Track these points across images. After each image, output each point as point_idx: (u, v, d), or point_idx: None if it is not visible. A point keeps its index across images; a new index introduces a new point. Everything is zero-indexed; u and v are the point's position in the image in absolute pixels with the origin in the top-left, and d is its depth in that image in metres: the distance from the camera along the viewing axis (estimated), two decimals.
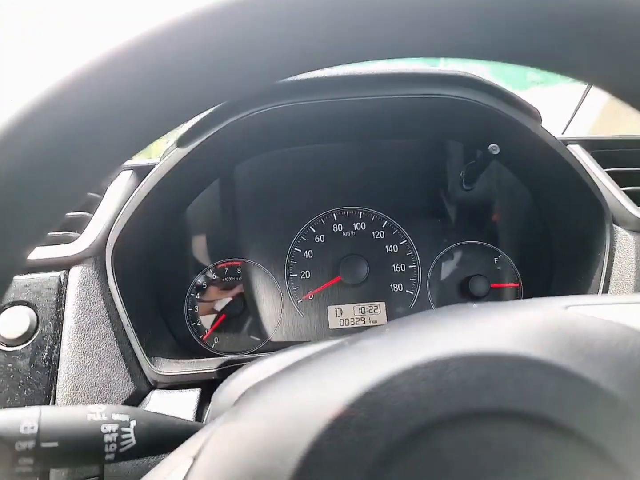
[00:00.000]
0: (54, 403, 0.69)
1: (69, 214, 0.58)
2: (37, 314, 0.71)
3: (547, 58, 0.26)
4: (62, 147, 0.23)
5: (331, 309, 0.98)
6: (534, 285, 0.98)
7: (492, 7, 0.23)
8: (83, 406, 0.42)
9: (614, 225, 0.82)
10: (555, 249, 0.95)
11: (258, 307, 0.98)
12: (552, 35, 0.24)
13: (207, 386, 0.73)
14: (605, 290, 0.80)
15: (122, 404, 0.70)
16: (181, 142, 0.77)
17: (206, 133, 0.76)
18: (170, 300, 0.95)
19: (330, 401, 0.26)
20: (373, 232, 1.00)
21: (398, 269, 0.99)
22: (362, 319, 0.98)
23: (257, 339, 0.97)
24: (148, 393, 0.73)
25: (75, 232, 0.79)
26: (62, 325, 0.72)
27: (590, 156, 0.92)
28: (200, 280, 0.98)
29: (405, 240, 1.00)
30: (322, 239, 1.00)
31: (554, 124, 0.82)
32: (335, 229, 1.00)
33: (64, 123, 0.22)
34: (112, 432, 0.41)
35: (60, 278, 0.74)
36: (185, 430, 0.46)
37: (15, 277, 0.28)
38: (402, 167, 1.01)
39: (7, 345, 0.69)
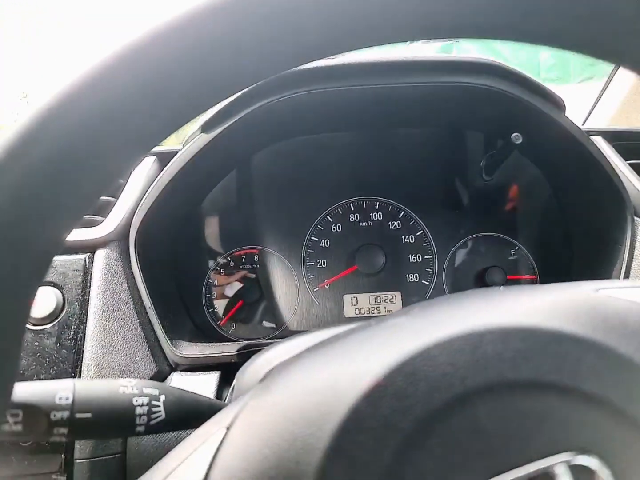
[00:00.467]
0: None
1: None
2: (63, 295, 0.73)
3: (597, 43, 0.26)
4: (99, 131, 0.24)
5: (347, 298, 0.99)
6: (551, 278, 0.97)
7: None
8: (115, 380, 0.43)
9: (635, 217, 0.81)
10: (574, 241, 0.95)
11: (274, 295, 0.99)
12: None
13: (227, 369, 0.74)
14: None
15: None
16: (206, 127, 0.78)
17: (230, 119, 0.77)
18: (189, 286, 0.97)
19: (368, 371, 0.27)
20: (390, 222, 1.01)
21: (414, 259, 1.00)
22: (378, 309, 0.98)
23: (273, 325, 0.98)
24: (169, 374, 0.75)
25: (100, 216, 0.81)
26: (87, 305, 0.73)
27: (612, 148, 0.91)
28: (217, 266, 0.99)
29: (422, 231, 1.00)
30: (339, 229, 1.00)
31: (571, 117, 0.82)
32: (352, 219, 1.01)
33: (102, 108, 0.23)
34: (143, 404, 0.42)
35: (85, 260, 0.76)
36: (211, 407, 0.47)
37: None
38: (420, 157, 1.01)
39: (35, 325, 0.71)
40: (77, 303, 0.73)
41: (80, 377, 0.71)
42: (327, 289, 0.99)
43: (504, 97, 0.79)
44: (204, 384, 0.72)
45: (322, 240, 1.00)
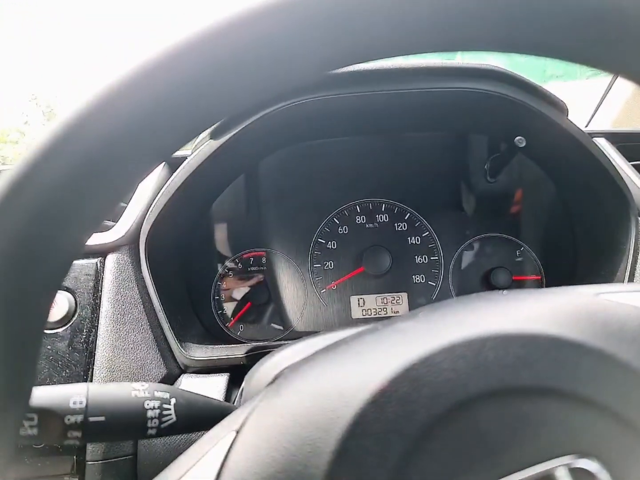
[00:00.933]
0: None
1: None
2: (75, 299, 0.74)
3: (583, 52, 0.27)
4: (118, 144, 0.24)
5: (354, 299, 0.99)
6: (556, 278, 0.98)
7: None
8: (127, 383, 0.44)
9: (639, 218, 0.82)
10: (579, 242, 0.95)
11: (282, 297, 1.00)
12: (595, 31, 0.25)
13: (236, 371, 0.75)
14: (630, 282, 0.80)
15: None
16: (215, 133, 0.79)
17: (239, 125, 0.78)
18: (197, 289, 0.98)
19: (373, 376, 0.27)
20: (396, 224, 1.01)
21: (420, 260, 1.00)
22: (384, 310, 0.99)
23: (281, 327, 0.99)
24: (179, 377, 0.76)
25: (111, 220, 0.82)
26: (99, 309, 0.75)
27: (615, 149, 0.91)
28: (226, 269, 1.00)
29: (428, 232, 1.01)
30: (346, 230, 1.01)
31: (575, 118, 0.82)
32: (358, 221, 1.01)
33: (121, 122, 0.24)
34: (154, 408, 0.43)
35: (97, 264, 0.77)
36: (220, 410, 0.48)
37: None
38: (425, 160, 1.02)
39: (48, 328, 0.73)
40: (89, 307, 0.74)
41: (92, 379, 0.72)
42: (334, 290, 1.00)
43: (508, 101, 0.79)
44: (213, 386, 0.73)
45: (329, 242, 1.01)
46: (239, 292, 1.00)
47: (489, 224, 1.00)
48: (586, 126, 1.28)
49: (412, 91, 0.80)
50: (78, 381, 0.72)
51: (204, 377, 0.75)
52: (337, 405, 0.27)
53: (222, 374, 0.75)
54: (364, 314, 0.99)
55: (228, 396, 0.72)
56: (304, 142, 1.00)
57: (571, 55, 0.27)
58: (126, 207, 0.84)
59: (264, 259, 1.01)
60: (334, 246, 1.01)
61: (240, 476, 0.27)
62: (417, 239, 1.01)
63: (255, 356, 0.76)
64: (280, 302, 1.00)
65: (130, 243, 0.81)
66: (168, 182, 0.81)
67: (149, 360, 0.74)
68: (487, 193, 1.01)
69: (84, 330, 0.73)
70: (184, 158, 0.83)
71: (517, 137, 0.81)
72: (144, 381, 0.72)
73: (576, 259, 0.96)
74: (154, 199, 0.81)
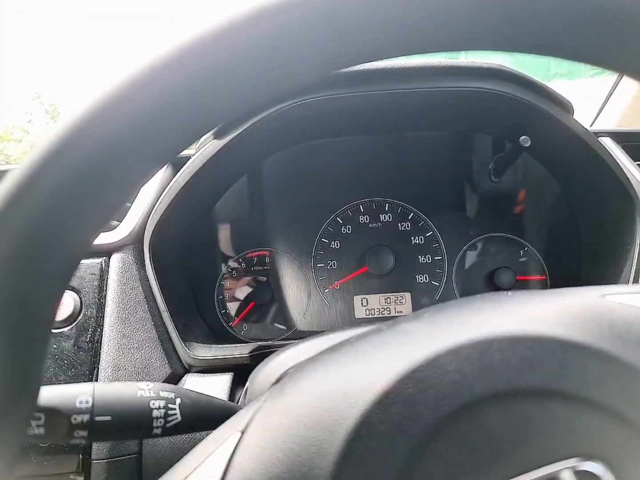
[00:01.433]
0: None
1: None
2: (80, 298, 0.75)
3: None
4: (124, 146, 0.25)
5: (357, 299, 0.99)
6: (560, 279, 0.97)
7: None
8: (132, 383, 0.44)
9: None
10: (584, 242, 0.95)
11: (285, 296, 1.00)
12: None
13: (240, 371, 0.75)
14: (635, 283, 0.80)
15: None
16: (218, 133, 0.79)
17: (242, 126, 0.78)
18: (201, 288, 0.98)
19: (379, 377, 0.28)
20: (399, 224, 1.01)
21: (424, 260, 1.00)
22: (388, 309, 0.99)
23: (284, 327, 0.99)
24: (183, 376, 0.76)
25: (115, 220, 0.83)
26: (103, 309, 0.75)
27: (621, 149, 0.91)
28: (229, 269, 1.00)
29: (431, 232, 1.00)
30: (349, 230, 1.01)
31: (579, 117, 0.82)
32: (361, 220, 1.01)
33: (126, 123, 0.24)
34: (159, 407, 0.43)
35: (102, 264, 0.78)
36: (225, 410, 0.48)
37: None
38: (429, 160, 1.02)
39: (53, 327, 0.73)
40: (94, 306, 0.75)
41: (97, 378, 0.72)
42: (337, 290, 1.00)
43: (512, 101, 0.79)
44: (217, 386, 0.73)
45: (332, 242, 1.01)
46: (243, 292, 1.00)
47: (493, 224, 1.00)
48: (591, 125, 1.27)
49: (416, 91, 0.80)
50: (83, 380, 0.72)
51: (208, 377, 0.75)
52: (342, 406, 0.28)
53: (226, 373, 0.75)
54: (367, 313, 0.99)
55: (232, 396, 0.72)
56: (308, 142, 1.00)
57: (576, 53, 0.27)
58: (130, 207, 0.85)
59: (267, 259, 1.01)
60: (337, 246, 1.01)
61: (245, 476, 0.27)
62: (421, 238, 1.01)
63: (258, 356, 0.77)
64: (283, 301, 1.00)
65: (134, 243, 0.81)
66: (172, 182, 0.82)
67: (154, 359, 0.74)
68: (491, 193, 1.00)
69: (89, 330, 0.73)
70: (188, 158, 0.83)
71: (522, 137, 0.80)
72: (149, 380, 0.73)
73: (581, 259, 0.95)
74: (158, 199, 0.82)
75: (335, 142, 1.00)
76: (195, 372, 0.78)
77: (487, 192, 1.01)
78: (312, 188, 1.01)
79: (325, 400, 0.29)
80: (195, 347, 0.80)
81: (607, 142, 0.91)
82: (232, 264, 1.01)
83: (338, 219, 1.01)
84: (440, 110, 0.89)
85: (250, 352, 0.77)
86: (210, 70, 0.24)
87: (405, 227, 1.01)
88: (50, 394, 0.40)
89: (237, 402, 0.70)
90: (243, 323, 0.99)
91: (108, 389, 0.43)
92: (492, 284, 0.97)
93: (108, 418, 0.41)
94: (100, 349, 0.73)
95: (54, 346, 0.72)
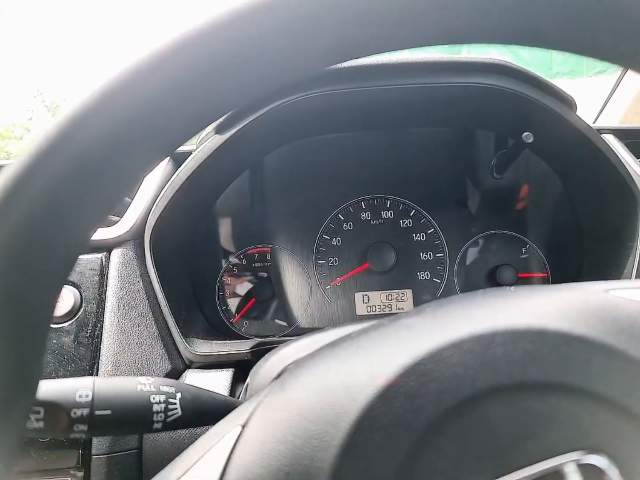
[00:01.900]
0: None
1: None
2: (81, 294, 0.75)
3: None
4: (123, 138, 0.24)
5: (358, 296, 0.99)
6: (562, 276, 0.97)
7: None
8: (133, 377, 0.44)
9: None
10: (586, 239, 0.95)
11: (286, 293, 1.00)
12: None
13: (240, 367, 0.75)
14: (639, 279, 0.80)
15: None
16: (220, 128, 0.79)
17: (243, 121, 0.77)
18: (202, 284, 0.98)
19: (381, 370, 0.27)
20: (401, 221, 1.01)
21: (425, 257, 1.00)
22: (389, 306, 0.99)
23: (285, 323, 0.99)
24: (183, 372, 0.76)
25: (116, 215, 0.83)
26: (104, 304, 0.75)
27: (623, 146, 0.90)
28: (230, 265, 1.00)
29: (433, 229, 1.00)
30: (351, 227, 1.01)
31: (582, 115, 0.81)
32: (363, 217, 1.01)
33: (125, 116, 0.24)
34: (160, 402, 0.43)
35: (102, 259, 0.77)
36: (226, 405, 0.48)
37: None
38: (431, 156, 1.01)
39: (53, 323, 0.73)
40: (94, 301, 0.75)
41: (97, 374, 0.72)
42: (339, 286, 1.00)
43: (515, 96, 0.79)
44: (218, 381, 0.73)
45: (334, 239, 1.01)
46: (244, 288, 1.00)
47: (495, 220, 1.00)
48: (593, 123, 1.27)
49: (418, 86, 0.80)
50: (83, 375, 0.72)
51: (209, 372, 0.75)
52: (344, 399, 0.27)
53: (227, 369, 0.75)
54: (369, 310, 0.99)
55: (233, 392, 0.72)
56: (309, 138, 0.99)
57: (580, 47, 0.27)
58: (131, 202, 0.84)
59: (268, 255, 1.01)
60: (338, 242, 1.00)
61: (246, 470, 0.27)
62: (422, 235, 1.00)
63: (259, 352, 0.76)
64: (284, 298, 1.00)
65: (135, 238, 0.81)
66: (173, 177, 0.81)
67: (154, 355, 0.74)
68: (493, 190, 1.00)
69: (89, 325, 0.73)
70: (189, 153, 0.83)
71: (525, 133, 0.80)
72: (149, 376, 0.73)
73: (583, 256, 0.95)
74: (159, 194, 0.82)
75: (338, 138, 1.00)
76: (195, 368, 0.77)
77: (489, 189, 1.00)
78: (314, 184, 1.01)
79: (327, 394, 0.28)
80: (196, 342, 0.80)
81: (610, 139, 0.91)
82: (233, 260, 1.00)
83: (339, 215, 1.01)
84: (442, 106, 0.89)
85: (250, 348, 0.77)
86: (208, 62, 0.24)
87: (406, 223, 1.01)
88: (49, 388, 0.40)
89: (238, 398, 0.70)
90: (244, 319, 0.99)
91: (108, 383, 0.43)
92: (493, 281, 0.97)
93: (108, 412, 0.41)
94: (100, 345, 0.73)
95: (54, 341, 0.72)
